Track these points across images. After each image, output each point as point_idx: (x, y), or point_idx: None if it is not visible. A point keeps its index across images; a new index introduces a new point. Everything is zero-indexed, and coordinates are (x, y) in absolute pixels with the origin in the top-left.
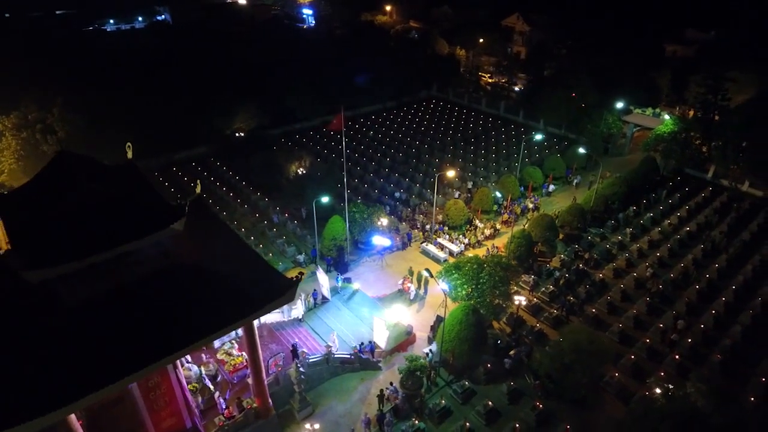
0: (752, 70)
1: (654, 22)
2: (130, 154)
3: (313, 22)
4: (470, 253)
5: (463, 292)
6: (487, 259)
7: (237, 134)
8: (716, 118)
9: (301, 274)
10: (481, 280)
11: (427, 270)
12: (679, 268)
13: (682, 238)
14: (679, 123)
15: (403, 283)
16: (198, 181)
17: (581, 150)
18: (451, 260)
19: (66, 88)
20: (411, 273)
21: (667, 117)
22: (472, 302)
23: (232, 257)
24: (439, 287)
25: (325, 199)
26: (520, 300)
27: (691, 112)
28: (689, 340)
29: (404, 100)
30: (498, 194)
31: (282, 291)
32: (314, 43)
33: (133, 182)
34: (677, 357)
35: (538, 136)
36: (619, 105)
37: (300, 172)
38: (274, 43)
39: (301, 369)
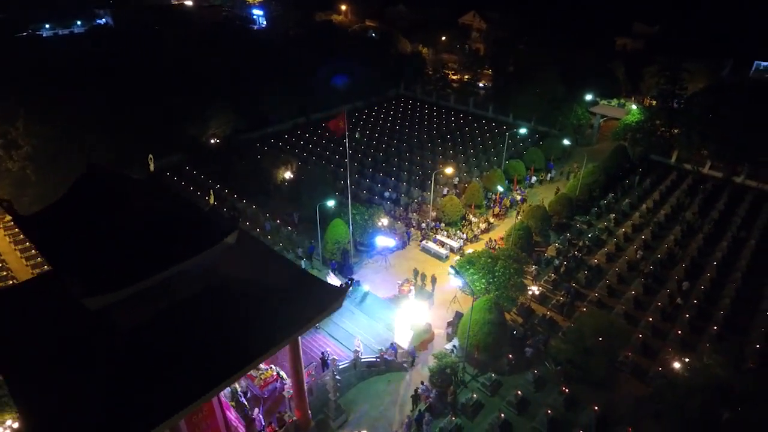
0: (698, 60)
1: (603, 17)
2: (152, 167)
3: (265, 22)
4: (469, 248)
5: (481, 286)
6: (498, 253)
7: (212, 140)
8: (675, 106)
9: (351, 279)
10: (496, 273)
11: (453, 267)
12: (663, 249)
13: (660, 221)
14: (645, 112)
15: (401, 287)
16: (211, 192)
17: (566, 141)
18: (453, 256)
19: (27, 98)
20: (416, 274)
21: (634, 107)
22: (491, 295)
23: (272, 268)
24: (452, 283)
25: (330, 203)
26: (533, 290)
27: (646, 101)
28: (686, 315)
29: (374, 99)
30: (500, 188)
31: (332, 299)
32: (273, 44)
33: (170, 196)
34: (679, 332)
35: (522, 130)
36: (588, 97)
37: (287, 177)
38: (232, 45)
39: (337, 377)
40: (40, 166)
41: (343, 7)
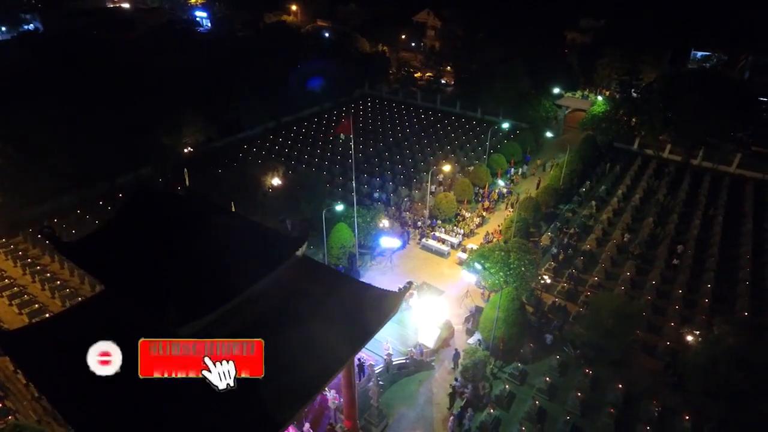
0: (642, 52)
1: (550, 12)
2: (187, 180)
3: (210, 24)
4: (468, 243)
5: (499, 280)
6: (510, 245)
7: (186, 150)
8: (634, 95)
9: (410, 283)
10: (511, 266)
11: (479, 263)
12: (645, 231)
13: (636, 205)
14: (610, 102)
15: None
16: (233, 203)
17: (548, 134)
18: (454, 252)
19: None
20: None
21: (599, 98)
22: (511, 287)
23: (326, 279)
24: (465, 279)
25: (339, 207)
26: (545, 279)
27: (605, 92)
28: (680, 291)
29: (340, 100)
30: (501, 182)
31: (391, 305)
32: (223, 45)
33: (227, 212)
34: (677, 307)
35: (505, 125)
36: (556, 90)
37: (275, 183)
38: (185, 48)
39: (380, 382)
40: (6, 189)
41: (293, 8)
